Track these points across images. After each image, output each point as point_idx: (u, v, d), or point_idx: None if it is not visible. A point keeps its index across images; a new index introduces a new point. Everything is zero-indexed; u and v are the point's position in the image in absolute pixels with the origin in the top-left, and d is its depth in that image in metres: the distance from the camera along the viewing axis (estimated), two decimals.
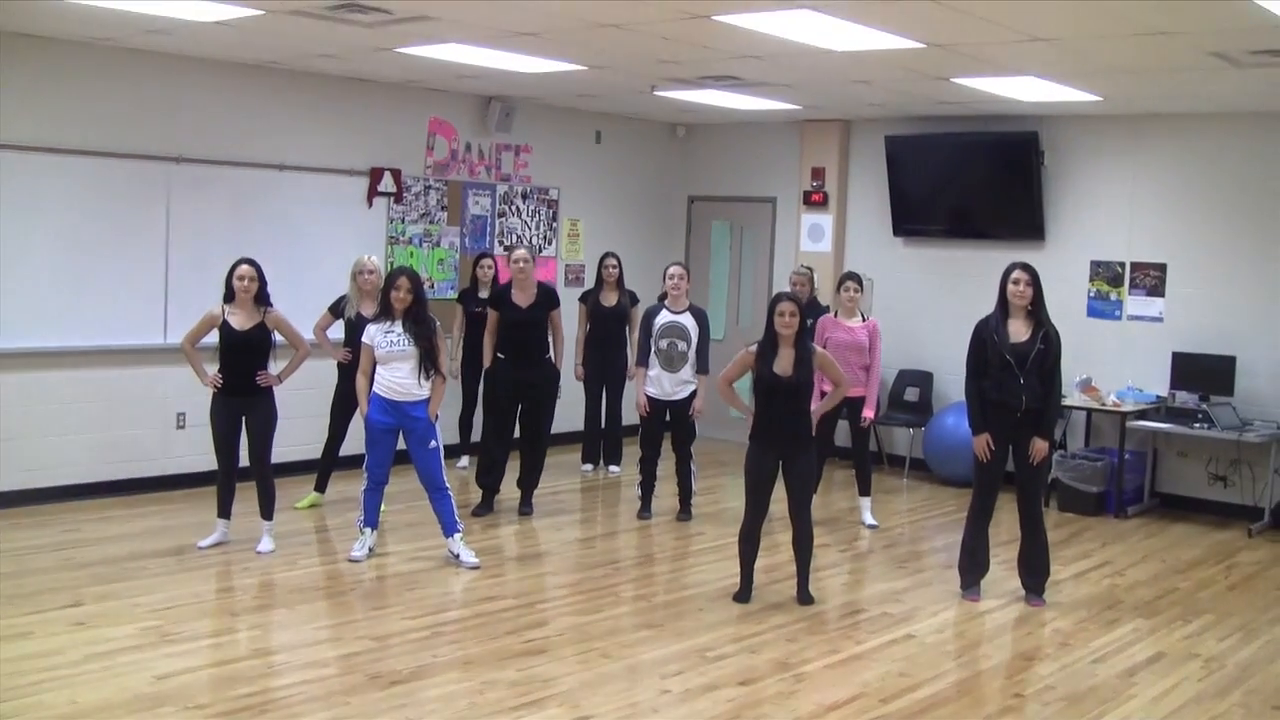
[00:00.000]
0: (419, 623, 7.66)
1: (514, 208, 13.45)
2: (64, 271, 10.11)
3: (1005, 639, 7.92)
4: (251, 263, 8.94)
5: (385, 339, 8.75)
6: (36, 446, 10.09)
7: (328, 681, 6.63)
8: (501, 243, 13.27)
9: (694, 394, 10.38)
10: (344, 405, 10.25)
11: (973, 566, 8.77)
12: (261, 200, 11.27)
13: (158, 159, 10.57)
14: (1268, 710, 6.78)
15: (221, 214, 10.96)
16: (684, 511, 10.75)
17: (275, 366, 9.09)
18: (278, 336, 9.07)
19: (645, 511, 10.73)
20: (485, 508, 10.56)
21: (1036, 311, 8.34)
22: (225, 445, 9.00)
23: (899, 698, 6.73)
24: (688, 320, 10.40)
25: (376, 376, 8.85)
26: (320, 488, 10.65)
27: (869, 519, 10.83)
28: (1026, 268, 8.38)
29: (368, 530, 9.08)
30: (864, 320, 10.55)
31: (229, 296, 8.89)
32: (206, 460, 9.26)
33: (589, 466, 12.67)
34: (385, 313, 8.82)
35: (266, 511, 9.13)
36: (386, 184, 12.18)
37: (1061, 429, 12.17)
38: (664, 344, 10.36)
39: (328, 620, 7.74)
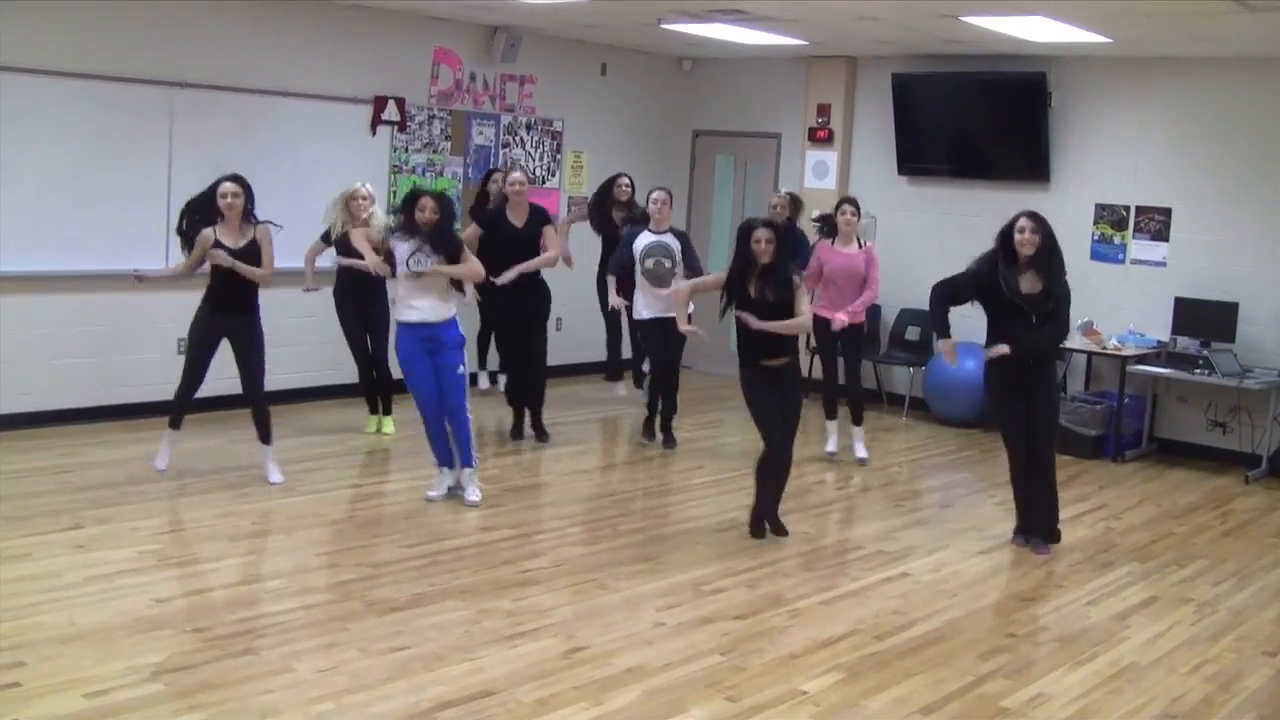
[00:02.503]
0: (416, 551, 7.70)
1: (518, 139, 13.39)
2: (65, 195, 10.07)
3: (1000, 579, 7.95)
4: (236, 178, 8.78)
5: (413, 259, 8.51)
6: (37, 370, 10.10)
7: (325, 608, 6.66)
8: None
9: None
10: (352, 319, 10.31)
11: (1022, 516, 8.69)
12: (265, 127, 11.21)
13: (161, 84, 10.51)
14: (1258, 655, 6.82)
15: (224, 140, 10.90)
16: (669, 440, 10.89)
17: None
18: None
19: (649, 435, 10.84)
20: (519, 431, 10.80)
21: (1046, 265, 8.18)
22: (199, 359, 8.90)
23: (893, 635, 6.76)
24: (670, 239, 10.54)
25: (400, 302, 8.69)
26: (387, 410, 10.75)
27: (861, 452, 10.83)
28: (1033, 215, 8.24)
29: (443, 470, 8.91)
30: (860, 246, 10.50)
31: (217, 217, 8.74)
32: (206, 387, 9.23)
33: (618, 385, 12.53)
34: (409, 231, 8.55)
35: (265, 436, 9.06)
36: (390, 113, 12.13)
37: (1062, 370, 12.18)
38: (650, 263, 10.46)
39: (326, 547, 7.77)
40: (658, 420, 10.94)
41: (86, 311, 10.30)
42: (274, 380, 10.05)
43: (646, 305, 10.54)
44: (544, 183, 13.68)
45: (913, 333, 13.28)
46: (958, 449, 11.63)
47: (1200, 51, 11.31)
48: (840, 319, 10.26)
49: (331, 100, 11.68)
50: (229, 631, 6.25)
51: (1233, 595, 7.85)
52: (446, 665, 5.99)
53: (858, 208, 10.58)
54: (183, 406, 9.04)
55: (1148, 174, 12.04)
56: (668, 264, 10.47)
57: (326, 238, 10.27)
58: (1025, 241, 8.14)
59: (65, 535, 7.57)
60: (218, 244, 8.70)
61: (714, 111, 15.01)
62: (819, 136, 13.88)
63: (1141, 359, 11.57)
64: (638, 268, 10.52)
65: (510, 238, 10.35)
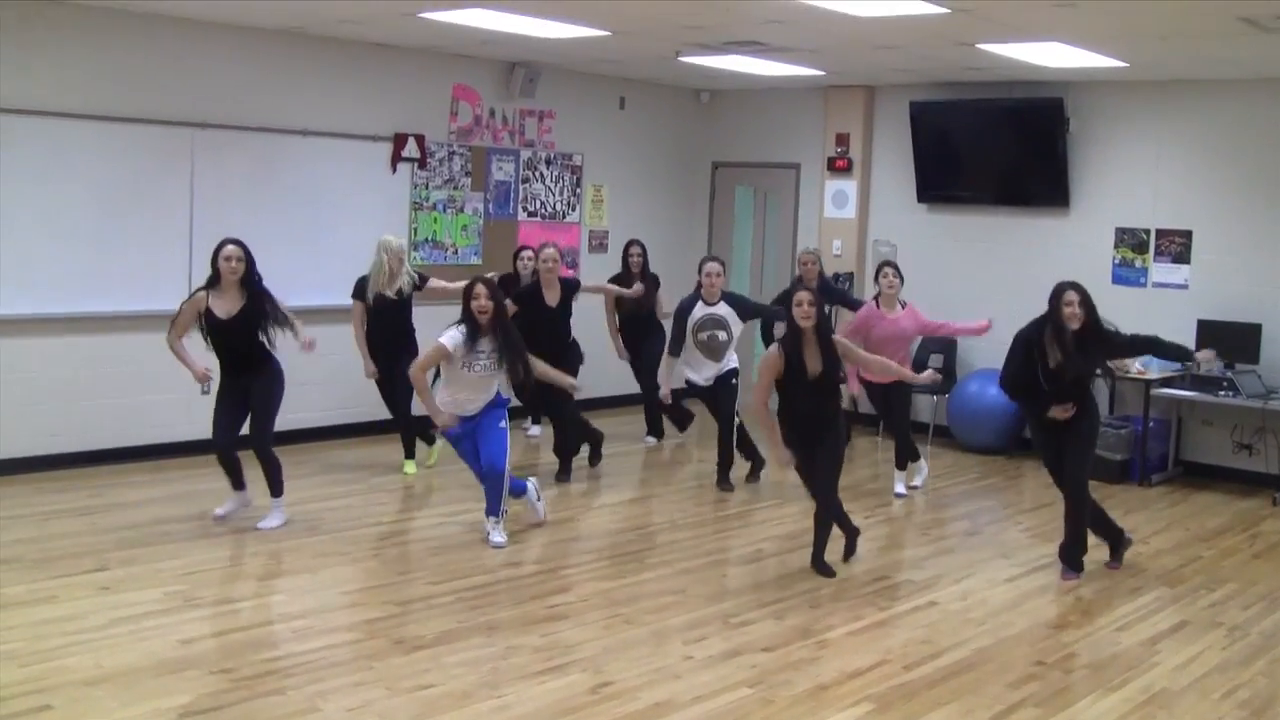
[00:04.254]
0: (443, 588, 7.69)
1: (538, 174, 13.42)
2: (88, 237, 10.12)
3: (1028, 607, 7.90)
4: (238, 243, 8.56)
5: (472, 359, 8.45)
6: (62, 411, 10.13)
7: (352, 646, 6.66)
8: (525, 208, 13.26)
9: (735, 369, 10.57)
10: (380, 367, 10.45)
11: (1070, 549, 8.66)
12: (285, 166, 11.27)
13: (181, 124, 10.57)
14: None
15: (245, 180, 10.97)
16: (724, 481, 10.74)
17: (284, 339, 8.84)
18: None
19: (726, 483, 10.76)
20: (565, 474, 10.81)
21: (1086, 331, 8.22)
22: (224, 420, 8.75)
23: (922, 665, 6.73)
24: (723, 310, 10.43)
25: (449, 391, 8.60)
26: (409, 453, 10.79)
27: (899, 488, 10.76)
28: (1077, 288, 8.20)
29: (491, 518, 8.73)
30: (903, 306, 10.48)
31: (214, 279, 8.55)
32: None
33: (652, 439, 12.64)
34: (470, 329, 8.43)
35: (275, 488, 8.92)
36: (410, 150, 12.17)
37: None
38: (704, 336, 10.40)
39: (352, 585, 7.77)
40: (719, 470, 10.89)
41: (111, 353, 10.33)
42: (296, 419, 10.10)
43: (695, 370, 10.52)
44: (564, 217, 13.71)
45: (935, 360, 13.17)
46: (982, 476, 11.59)
47: (1216, 73, 11.30)
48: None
49: (352, 138, 11.73)
50: (255, 672, 6.24)
51: (1264, 618, 7.80)
52: (474, 702, 5.97)
53: (899, 271, 10.52)
54: (234, 466, 8.92)
55: (1167, 197, 12.02)
56: (721, 336, 10.39)
57: (361, 293, 10.34)
58: (1073, 316, 8.11)
59: (91, 577, 7.58)
60: (209, 312, 8.53)
61: (733, 143, 15.03)
62: (838, 166, 13.89)
63: (1166, 382, 11.52)
64: (689, 338, 10.45)
65: (543, 317, 10.54)
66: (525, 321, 10.24)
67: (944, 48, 10.51)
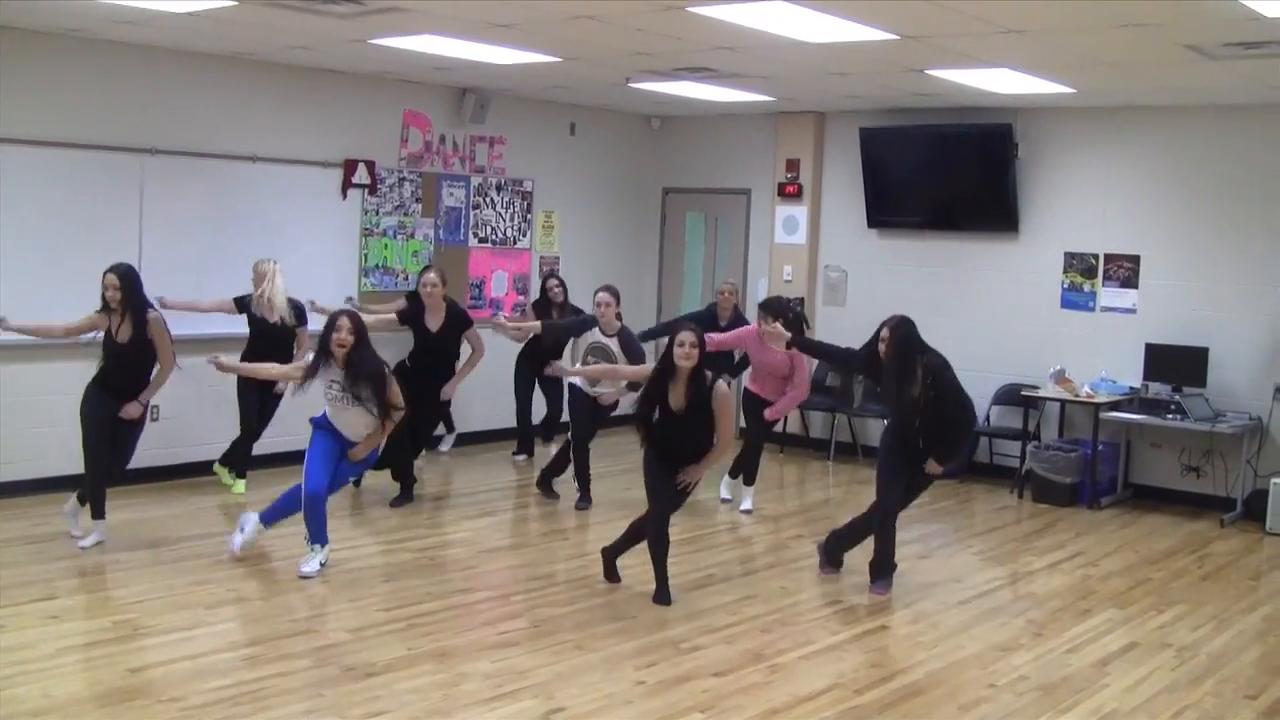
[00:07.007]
0: (393, 615, 7.65)
1: (488, 199, 13.42)
2: (35, 264, 10.03)
3: (979, 630, 7.93)
4: (115, 270, 8.60)
5: (328, 390, 8.40)
6: (9, 439, 10.03)
7: (302, 674, 6.61)
8: (475, 234, 13.26)
9: (615, 404, 10.90)
10: (250, 390, 10.43)
11: (885, 564, 8.75)
12: (235, 192, 11.21)
13: (131, 151, 10.51)
14: (1239, 699, 6.81)
15: (195, 206, 10.91)
16: (545, 483, 11.14)
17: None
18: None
19: (585, 501, 10.83)
20: (406, 498, 10.61)
21: (909, 364, 8.34)
22: (99, 440, 8.75)
23: (873, 688, 6.74)
24: (614, 345, 10.42)
25: (326, 409, 8.53)
26: (242, 473, 10.71)
27: (748, 504, 10.95)
28: (890, 325, 8.37)
29: (317, 546, 8.56)
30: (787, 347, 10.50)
31: (103, 306, 8.63)
32: (179, 453, 9.19)
33: (522, 456, 12.79)
34: (322, 358, 8.35)
35: (100, 510, 8.87)
36: (361, 176, 12.14)
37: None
38: (590, 360, 10.50)
39: (302, 613, 7.72)
40: (549, 475, 11.18)
41: (58, 379, 10.22)
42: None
43: (588, 382, 10.61)
44: (515, 243, 13.71)
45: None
46: (933, 500, 11.59)
47: (1164, 100, 11.41)
48: (768, 414, 10.57)
49: (302, 164, 11.69)
50: (206, 700, 6.19)
51: (1212, 639, 7.86)
52: None
53: (778, 313, 10.34)
54: (102, 490, 8.90)
55: (1115, 222, 12.12)
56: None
57: (241, 302, 10.42)
58: (884, 352, 8.35)
59: (38, 606, 7.50)
60: (108, 333, 8.62)
61: (683, 169, 15.08)
62: (788, 192, 13.94)
63: (1114, 406, 11.61)
64: (579, 357, 10.72)
65: (424, 343, 10.69)
66: (414, 344, 10.75)
67: (894, 74, 10.57)
